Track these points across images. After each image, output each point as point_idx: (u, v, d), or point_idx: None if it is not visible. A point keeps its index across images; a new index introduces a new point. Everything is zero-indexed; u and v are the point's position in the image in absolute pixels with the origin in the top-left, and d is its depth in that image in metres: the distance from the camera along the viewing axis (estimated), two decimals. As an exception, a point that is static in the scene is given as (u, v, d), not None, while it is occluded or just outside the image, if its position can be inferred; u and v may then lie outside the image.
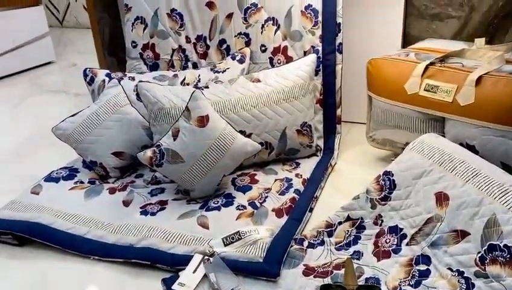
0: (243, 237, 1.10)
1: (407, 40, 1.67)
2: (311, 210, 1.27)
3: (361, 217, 1.11)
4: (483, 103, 1.11)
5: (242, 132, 1.38)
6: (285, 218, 1.20)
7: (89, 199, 1.35)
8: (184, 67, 1.73)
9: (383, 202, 1.09)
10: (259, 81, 1.44)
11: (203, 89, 1.40)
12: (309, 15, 1.52)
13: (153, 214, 1.26)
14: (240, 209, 1.25)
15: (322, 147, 1.57)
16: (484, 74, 1.13)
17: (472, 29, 1.58)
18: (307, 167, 1.46)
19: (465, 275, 0.89)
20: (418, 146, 1.12)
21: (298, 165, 1.47)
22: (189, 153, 1.26)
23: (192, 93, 1.28)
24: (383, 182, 1.11)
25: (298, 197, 1.29)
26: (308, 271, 1.00)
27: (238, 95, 1.40)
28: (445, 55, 1.27)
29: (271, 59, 1.60)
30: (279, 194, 1.31)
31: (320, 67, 1.54)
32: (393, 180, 1.10)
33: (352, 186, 1.40)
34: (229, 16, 1.64)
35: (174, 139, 1.27)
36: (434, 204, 1.00)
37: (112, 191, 1.39)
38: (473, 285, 0.87)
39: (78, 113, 1.48)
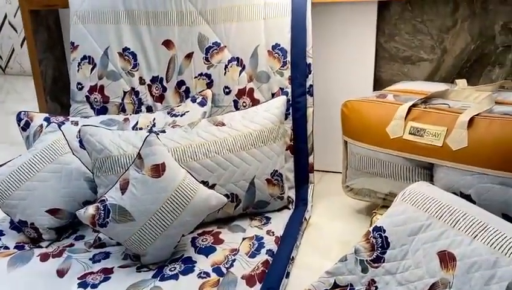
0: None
1: (378, 84, 1.58)
2: (287, 275, 1.07)
3: (351, 284, 0.92)
4: (479, 146, 0.99)
5: (204, 183, 1.19)
6: (258, 287, 1.00)
7: (13, 269, 1.09)
8: (137, 112, 1.54)
9: (376, 264, 0.92)
10: (223, 124, 1.28)
11: (158, 134, 1.21)
12: (277, 55, 1.40)
13: (94, 286, 1.02)
14: (202, 277, 1.03)
15: (294, 199, 1.40)
16: (476, 115, 1.02)
17: (445, 73, 1.52)
18: (279, 222, 1.27)
19: None
20: (411, 196, 0.97)
21: (269, 221, 1.28)
22: (140, 209, 1.04)
23: (146, 137, 1.09)
24: (374, 240, 0.94)
25: (272, 259, 1.10)
26: None
27: (200, 141, 1.22)
28: (428, 96, 1.17)
29: (235, 102, 1.45)
30: (249, 257, 1.10)
31: (290, 110, 1.40)
32: (386, 238, 0.93)
33: (331, 243, 1.23)
34: (189, 56, 1.49)
35: (123, 193, 1.06)
36: (438, 265, 0.84)
37: (44, 257, 1.14)
38: None
39: (6, 163, 1.24)
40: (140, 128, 1.36)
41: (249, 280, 1.01)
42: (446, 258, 0.84)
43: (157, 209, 1.04)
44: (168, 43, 1.51)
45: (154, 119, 1.40)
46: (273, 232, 1.21)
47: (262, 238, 1.18)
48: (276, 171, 1.29)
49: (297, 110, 1.40)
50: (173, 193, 1.06)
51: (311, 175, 1.44)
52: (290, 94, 1.40)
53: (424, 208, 0.93)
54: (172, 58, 1.51)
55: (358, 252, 0.95)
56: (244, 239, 1.18)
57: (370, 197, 1.30)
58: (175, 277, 1.04)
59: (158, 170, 1.06)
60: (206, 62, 1.47)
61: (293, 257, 1.14)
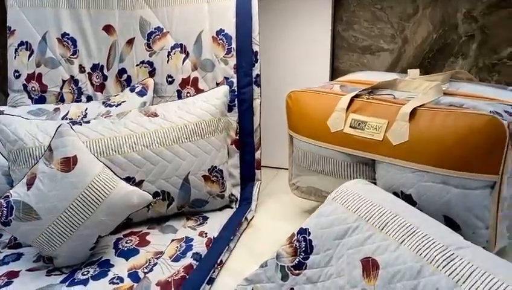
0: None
1: (336, 76, 1.47)
2: (211, 281, 0.97)
3: (269, 293, 0.83)
4: (420, 141, 0.89)
5: (130, 179, 1.09)
6: (173, 295, 0.90)
7: None
8: (77, 102, 1.44)
9: (297, 271, 0.82)
10: (156, 115, 1.17)
11: (80, 124, 1.11)
12: (221, 41, 1.29)
13: (-7, 291, 0.92)
14: (114, 283, 0.93)
15: (239, 197, 1.30)
16: (419, 107, 0.92)
17: (406, 64, 1.42)
18: (216, 222, 1.17)
19: None
20: (342, 195, 0.87)
21: (205, 221, 1.18)
22: (47, 206, 0.94)
23: (58, 128, 0.99)
24: (298, 244, 0.84)
25: (197, 263, 0.99)
26: None
27: (127, 132, 1.11)
28: (374, 86, 1.07)
29: (179, 92, 1.35)
30: (173, 260, 1.00)
31: (236, 102, 1.30)
32: (310, 241, 0.83)
33: (269, 246, 1.11)
34: (130, 42, 1.38)
35: (28, 188, 0.96)
36: (360, 274, 0.74)
37: (-48, 258, 1.04)
38: None
39: None
40: (71, 119, 1.26)
41: (164, 286, 0.91)
42: (369, 266, 0.74)
43: (66, 207, 0.94)
44: (108, 28, 1.40)
45: (87, 109, 1.29)
46: (206, 234, 1.11)
47: (192, 240, 1.08)
48: (215, 167, 1.19)
49: (242, 102, 1.30)
50: (85, 189, 0.95)
51: (258, 172, 1.34)
52: (235, 84, 1.30)
53: (354, 208, 0.83)
54: (113, 45, 1.41)
55: (280, 258, 0.85)
56: (172, 241, 1.08)
57: (316, 196, 1.20)
58: (84, 282, 0.93)
59: (68, 163, 0.96)
60: (148, 49, 1.37)
61: (222, 261, 1.03)
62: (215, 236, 1.10)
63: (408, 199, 0.92)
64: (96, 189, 0.96)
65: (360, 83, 1.14)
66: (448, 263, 0.67)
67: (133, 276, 0.95)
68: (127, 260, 1.01)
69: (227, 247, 1.07)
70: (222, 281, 0.98)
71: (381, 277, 0.71)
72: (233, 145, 1.31)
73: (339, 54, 1.48)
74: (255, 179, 1.34)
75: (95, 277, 0.95)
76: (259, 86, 1.31)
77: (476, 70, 1.36)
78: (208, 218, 1.20)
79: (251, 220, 1.24)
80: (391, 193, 0.94)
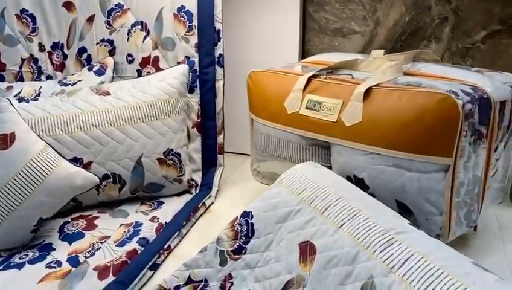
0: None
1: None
2: (154, 267, 0.92)
3: (206, 279, 0.78)
4: (372, 122, 0.84)
5: (77, 160, 1.04)
6: (109, 280, 0.85)
7: None
8: (36, 81, 1.38)
9: (236, 256, 0.77)
10: (108, 94, 1.12)
11: (28, 102, 1.06)
12: (182, 18, 1.24)
13: None
14: (51, 268, 0.88)
15: (200, 183, 1.25)
16: (374, 86, 0.87)
17: (378, 47, 1.36)
18: (171, 207, 1.12)
19: None
20: (289, 178, 0.82)
21: (160, 206, 1.13)
22: (-20, 185, 0.89)
23: (-4, 103, 0.94)
24: (239, 227, 0.80)
25: (142, 249, 0.95)
26: None
27: (75, 111, 1.06)
28: (334, 66, 1.01)
29: (139, 72, 1.29)
30: (117, 245, 0.95)
31: (197, 83, 1.25)
32: (252, 225, 0.79)
33: (223, 232, 1.08)
34: (90, 19, 1.32)
35: (-38, 166, 0.91)
36: (297, 259, 0.69)
37: None
38: None
39: None
40: (23, 98, 1.20)
41: (102, 271, 0.86)
42: (306, 251, 0.69)
43: (2, 186, 0.89)
44: (68, 5, 1.34)
45: (41, 88, 1.23)
46: (158, 219, 1.06)
47: (141, 225, 1.03)
48: (172, 150, 1.14)
49: (204, 83, 1.25)
50: (23, 168, 0.90)
51: (220, 157, 1.29)
52: (196, 64, 1.24)
53: (298, 191, 0.78)
54: (74, 22, 1.35)
55: (220, 242, 0.80)
56: (121, 225, 1.03)
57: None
58: (20, 266, 0.88)
59: (6, 140, 0.91)
60: (108, 26, 1.31)
61: (170, 246, 0.98)
62: (167, 221, 1.06)
63: (361, 183, 0.87)
64: (36, 168, 0.91)
65: (323, 64, 1.08)
66: (386, 248, 0.62)
67: (73, 260, 0.90)
68: (70, 244, 0.97)
69: (178, 232, 1.02)
70: (167, 267, 0.93)
71: (317, 262, 0.67)
72: (195, 129, 1.26)
73: (309, 36, 1.42)
74: (217, 165, 1.29)
75: (32, 261, 0.90)
76: (222, 66, 1.25)
77: (449, 54, 1.31)
78: (163, 203, 1.15)
79: (210, 206, 1.20)
80: (344, 177, 0.89)
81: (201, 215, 1.14)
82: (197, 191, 1.23)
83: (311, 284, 0.65)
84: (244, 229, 0.79)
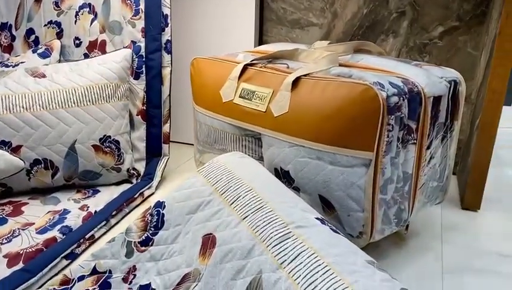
0: None
1: (264, 50, 1.38)
2: (72, 257, 0.88)
3: (110, 270, 0.74)
4: (298, 113, 0.81)
5: (6, 143, 1.00)
6: (17, 267, 0.81)
7: None
8: (-17, 63, 1.34)
9: (143, 248, 0.74)
10: (43, 76, 1.08)
11: (-45, 81, 1.01)
12: (129, 2, 1.20)
13: None
14: (-40, 252, 0.84)
15: (142, 173, 1.21)
16: (304, 76, 0.83)
17: (336, 40, 1.33)
18: (106, 196, 1.08)
19: None
20: (209, 167, 0.79)
21: (95, 194, 1.10)
22: None
23: None
24: (150, 218, 0.76)
25: (63, 237, 0.91)
26: None
27: (5, 92, 1.02)
28: (274, 55, 0.98)
29: (86, 56, 1.25)
30: (38, 232, 0.92)
31: (143, 68, 1.21)
32: (163, 215, 0.75)
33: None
34: (39, 0, 1.28)
35: None
36: (197, 253, 0.66)
37: None
38: None
39: None
40: (-41, 78, 1.16)
41: (13, 259, 0.83)
42: (208, 244, 0.66)
43: None
44: (16, -16, 1.30)
45: (-21, 68, 1.19)
46: (88, 207, 1.02)
47: (69, 212, 1.00)
48: (109, 137, 1.10)
49: (150, 69, 1.21)
50: None
51: (166, 146, 1.25)
52: (143, 49, 1.20)
53: (213, 181, 0.75)
54: (22, 3, 1.30)
55: (129, 232, 0.76)
56: (48, 212, 1.00)
57: (217, 174, 1.11)
58: None
59: None
60: (56, 8, 1.27)
61: (93, 236, 0.95)
62: (97, 210, 1.02)
63: (286, 176, 0.83)
64: (-49, 149, 0.87)
65: (267, 53, 1.05)
66: (280, 242, 0.58)
67: (-13, 246, 0.87)
68: (-10, 229, 0.93)
69: (105, 222, 0.99)
70: (87, 257, 0.90)
71: (214, 255, 0.63)
72: (140, 116, 1.22)
73: (267, 27, 1.39)
74: (161, 154, 1.25)
75: None
76: (169, 52, 1.22)
77: (406, 50, 1.27)
78: (99, 192, 1.11)
79: (149, 196, 1.16)
80: (272, 170, 0.86)
81: (136, 206, 1.11)
82: (138, 181, 1.19)
83: (205, 279, 0.62)
84: (155, 220, 0.75)
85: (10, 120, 1.01)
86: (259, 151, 0.93)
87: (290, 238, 0.59)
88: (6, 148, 1.00)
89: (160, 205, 0.77)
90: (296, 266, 0.54)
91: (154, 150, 1.24)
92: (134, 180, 1.19)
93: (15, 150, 1.01)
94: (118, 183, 1.16)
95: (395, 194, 0.82)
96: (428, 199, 0.94)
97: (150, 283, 0.69)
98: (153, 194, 1.17)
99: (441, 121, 0.87)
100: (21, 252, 0.84)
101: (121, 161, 1.13)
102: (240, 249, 0.61)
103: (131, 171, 1.18)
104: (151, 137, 1.23)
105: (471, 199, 1.12)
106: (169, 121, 1.24)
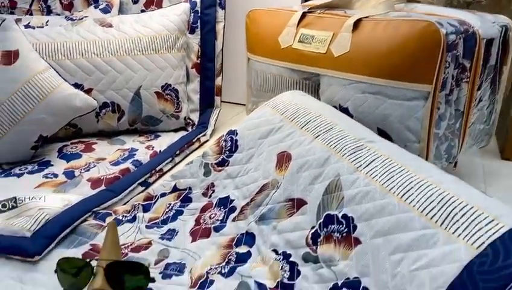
0: (19, 204, 0.78)
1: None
2: (145, 184, 0.97)
3: (190, 187, 0.82)
4: (359, 51, 0.87)
5: (78, 86, 1.09)
6: (100, 189, 0.90)
7: None
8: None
9: (220, 168, 0.82)
10: (110, 26, 1.16)
11: (34, 28, 1.10)
12: (186, -41, 1.27)
13: None
14: (48, 177, 0.94)
15: (196, 123, 1.29)
16: (364, 18, 0.89)
17: None
18: (167, 139, 1.17)
19: (291, 259, 0.62)
20: (275, 101, 0.86)
21: (157, 138, 1.18)
22: (-15, 97, 0.94)
23: (2, 22, 0.98)
24: (224, 143, 0.84)
25: (135, 168, 1.00)
26: (93, 252, 0.70)
27: (78, 39, 1.10)
28: (330, 4, 1.03)
29: (143, 12, 1.33)
30: (112, 164, 1.01)
31: (198, 23, 1.28)
32: (236, 141, 0.82)
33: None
34: (98, -41, 1.36)
35: (-32, 79, 0.96)
36: (274, 167, 0.73)
37: None
38: (299, 273, 0.59)
39: None
40: (29, 24, 1.25)
41: (95, 182, 0.92)
42: (283, 159, 0.73)
43: (5, 99, 0.94)
44: None
45: (48, 21, 1.28)
46: (153, 147, 1.11)
47: (136, 150, 1.08)
48: (170, 85, 1.18)
49: (205, 24, 1.28)
50: (25, 84, 0.95)
51: (218, 98, 1.32)
52: (198, 4, 1.27)
53: (282, 111, 0.82)
54: (82, -38, 1.39)
55: (205, 155, 0.84)
56: (117, 150, 1.09)
57: (269, 121, 1.18)
58: (19, 175, 0.94)
59: (10, 56, 0.96)
60: (115, -34, 1.34)
61: (162, 169, 1.03)
62: (161, 150, 1.10)
63: (345, 112, 0.90)
64: (37, 86, 0.96)
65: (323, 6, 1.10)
66: (355, 152, 0.65)
67: (69, 174, 0.96)
68: (67, 162, 1.02)
69: (170, 158, 1.07)
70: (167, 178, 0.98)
71: (291, 167, 0.70)
72: (194, 69, 1.30)
73: (313, -13, 1.43)
74: (214, 106, 1.33)
75: (31, 172, 0.96)
76: (223, 8, 1.28)
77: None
78: (159, 136, 1.19)
79: (205, 142, 1.24)
80: (331, 107, 0.93)
81: (195, 149, 1.19)
82: (194, 129, 1.27)
83: (283, 186, 0.69)
84: (228, 145, 0.83)
85: (83, 64, 1.09)
86: (315, 94, 1.00)
87: (363, 149, 0.66)
88: (80, 90, 1.08)
89: (232, 132, 0.84)
90: (373, 168, 0.61)
91: (206, 101, 1.32)
92: (189, 129, 1.27)
93: (86, 92, 1.10)
94: (175, 131, 1.24)
95: (446, 131, 0.88)
96: (474, 140, 0.99)
97: (228, 195, 0.77)
98: (207, 141, 1.25)
99: (491, 64, 0.92)
100: (101, 178, 0.93)
101: (179, 108, 1.21)
102: (316, 160, 0.68)
103: (188, 120, 1.26)
104: (205, 89, 1.31)
105: (511, 149, 1.17)
106: (221, 75, 1.32)
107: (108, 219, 0.78)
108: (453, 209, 0.50)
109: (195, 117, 1.30)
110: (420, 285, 0.47)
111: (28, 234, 0.72)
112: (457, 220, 0.49)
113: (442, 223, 0.50)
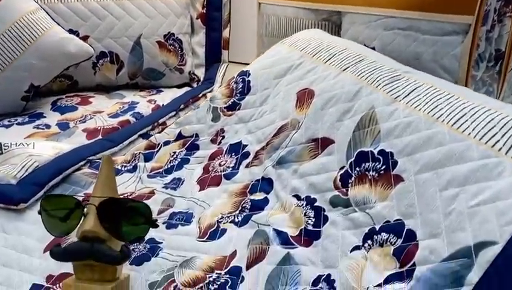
0: (4, 151, 0.69)
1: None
2: (146, 136, 0.87)
3: (196, 134, 0.73)
4: (388, -19, 0.77)
5: (73, 32, 0.99)
6: (97, 138, 0.81)
7: None
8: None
9: (230, 112, 0.72)
10: (108, -32, 1.05)
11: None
12: None
13: None
14: (39, 128, 0.85)
15: (202, 79, 1.19)
16: None
17: None
18: (170, 94, 1.07)
19: (316, 204, 0.53)
20: (292, 39, 0.76)
21: (159, 93, 1.08)
22: (-32, 38, 0.85)
23: (-14, -44, 0.88)
24: (235, 85, 0.74)
25: (134, 120, 0.91)
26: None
27: (71, -20, 1.00)
28: None
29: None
30: (110, 117, 0.91)
31: (203, -30, 1.17)
32: (249, 82, 0.73)
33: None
34: None
35: (-51, 18, 0.86)
36: (293, 106, 0.64)
37: None
38: (326, 218, 0.51)
39: None
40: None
41: (92, 133, 0.83)
42: (304, 97, 0.63)
43: (-9, 42, 0.85)
44: None
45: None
46: (155, 101, 1.02)
47: (137, 103, 0.99)
48: (173, 34, 1.08)
49: (211, -31, 1.17)
50: (12, 25, 0.86)
51: (225, 52, 1.22)
52: (204, -51, 1.16)
53: (301, 47, 0.72)
54: None
55: (214, 99, 0.75)
56: (116, 103, 0.99)
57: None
58: (8, 126, 0.86)
59: (-5, -6, 0.86)
60: None
61: (165, 122, 0.94)
62: (164, 104, 1.01)
63: (371, 53, 0.80)
64: (26, 27, 0.87)
65: None
66: (391, 82, 0.56)
67: (62, 125, 0.87)
68: (61, 114, 0.93)
69: (174, 112, 0.97)
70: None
71: (314, 104, 0.61)
72: (199, 20, 1.19)
73: None
74: (221, 60, 1.23)
75: (21, 123, 0.87)
76: (230, -47, 1.17)
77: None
78: (162, 91, 1.10)
79: (211, 98, 1.14)
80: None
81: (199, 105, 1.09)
82: (199, 85, 1.17)
83: (305, 125, 0.60)
84: (240, 87, 0.73)
85: (77, 8, 0.99)
86: (335, 34, 0.90)
87: (401, 79, 0.56)
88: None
89: (244, 73, 0.75)
90: (414, 98, 0.52)
91: (213, 55, 1.22)
92: (194, 85, 1.17)
93: (82, 40, 1.00)
94: (179, 86, 1.14)
95: (484, 74, 0.78)
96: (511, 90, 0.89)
97: (240, 140, 0.67)
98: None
99: (536, 0, 0.81)
100: (98, 128, 0.84)
101: (184, 61, 1.12)
102: (345, 94, 0.58)
103: (192, 75, 1.16)
104: (211, 42, 1.21)
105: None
106: (229, 26, 1.21)
107: (106, 169, 0.70)
108: (521, 134, 0.41)
109: (200, 73, 1.20)
110: (483, 222, 0.38)
111: (13, 181, 0.63)
112: (529, 146, 0.40)
113: (508, 151, 0.41)
